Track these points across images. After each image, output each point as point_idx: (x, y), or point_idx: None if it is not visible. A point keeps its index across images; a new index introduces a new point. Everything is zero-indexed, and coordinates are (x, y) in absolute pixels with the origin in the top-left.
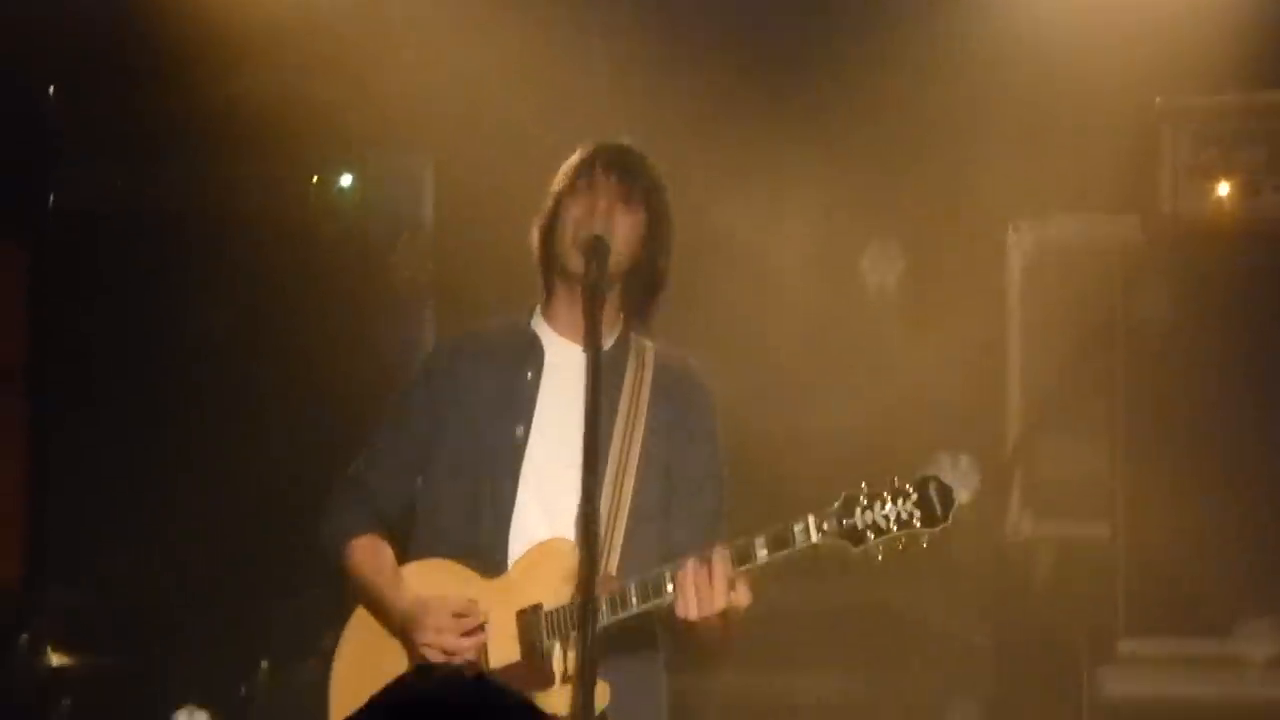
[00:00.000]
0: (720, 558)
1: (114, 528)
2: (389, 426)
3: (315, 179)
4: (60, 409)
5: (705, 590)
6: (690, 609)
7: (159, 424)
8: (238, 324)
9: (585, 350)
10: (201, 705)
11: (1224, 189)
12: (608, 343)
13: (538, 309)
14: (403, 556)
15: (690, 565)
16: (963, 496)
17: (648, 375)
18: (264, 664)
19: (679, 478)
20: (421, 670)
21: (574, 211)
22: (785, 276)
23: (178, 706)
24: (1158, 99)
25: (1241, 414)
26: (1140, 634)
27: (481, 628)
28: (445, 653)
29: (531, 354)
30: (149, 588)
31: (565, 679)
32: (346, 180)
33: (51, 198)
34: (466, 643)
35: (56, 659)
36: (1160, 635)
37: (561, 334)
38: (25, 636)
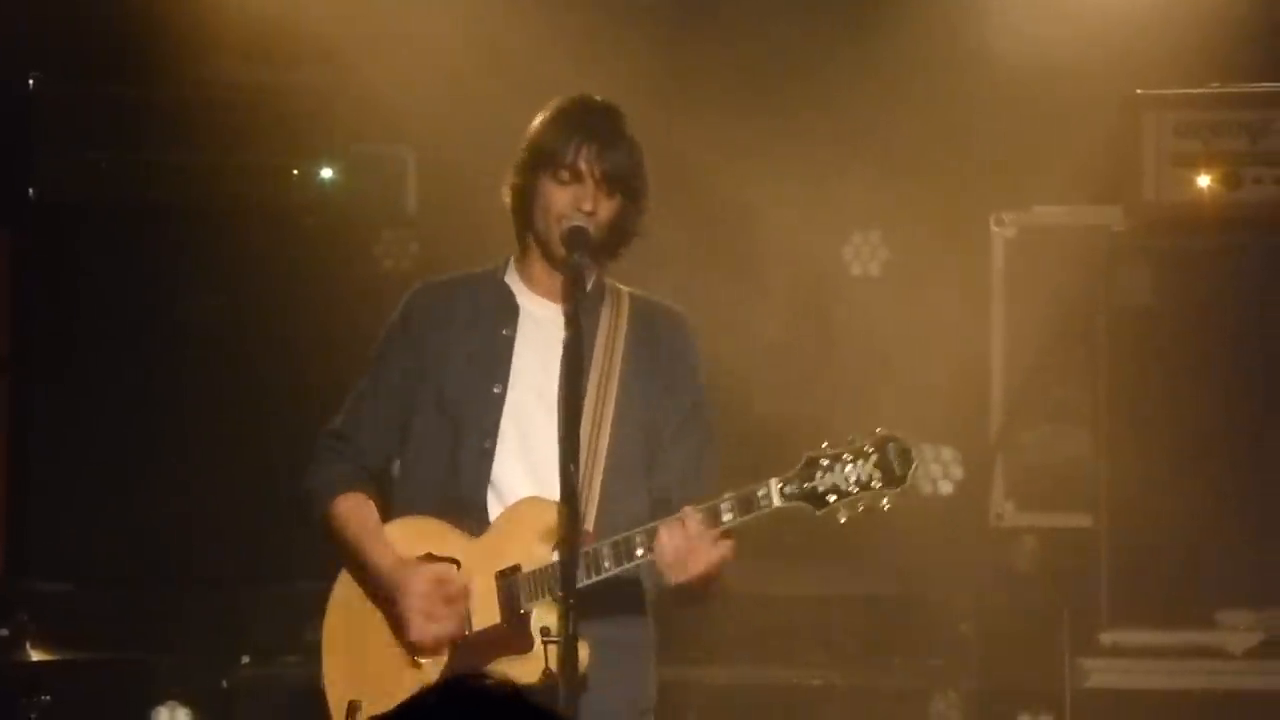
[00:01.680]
0: (692, 520)
1: (95, 522)
2: (369, 377)
3: (296, 171)
4: (42, 400)
5: (685, 554)
6: (674, 574)
7: (141, 416)
8: (220, 314)
9: (564, 309)
10: (183, 701)
11: (1204, 180)
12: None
13: (511, 262)
14: (386, 508)
15: (663, 532)
16: (945, 489)
17: (623, 325)
18: (245, 659)
19: (663, 423)
20: (449, 687)
21: (558, 202)
22: (768, 265)
23: (159, 703)
24: (1139, 90)
25: (1223, 403)
26: (1123, 624)
27: (464, 593)
28: (425, 618)
29: (507, 311)
30: (130, 583)
31: (544, 641)
32: (328, 172)
33: (33, 187)
34: (447, 610)
35: (36, 654)
36: (1143, 625)
37: (537, 292)
38: (4, 631)
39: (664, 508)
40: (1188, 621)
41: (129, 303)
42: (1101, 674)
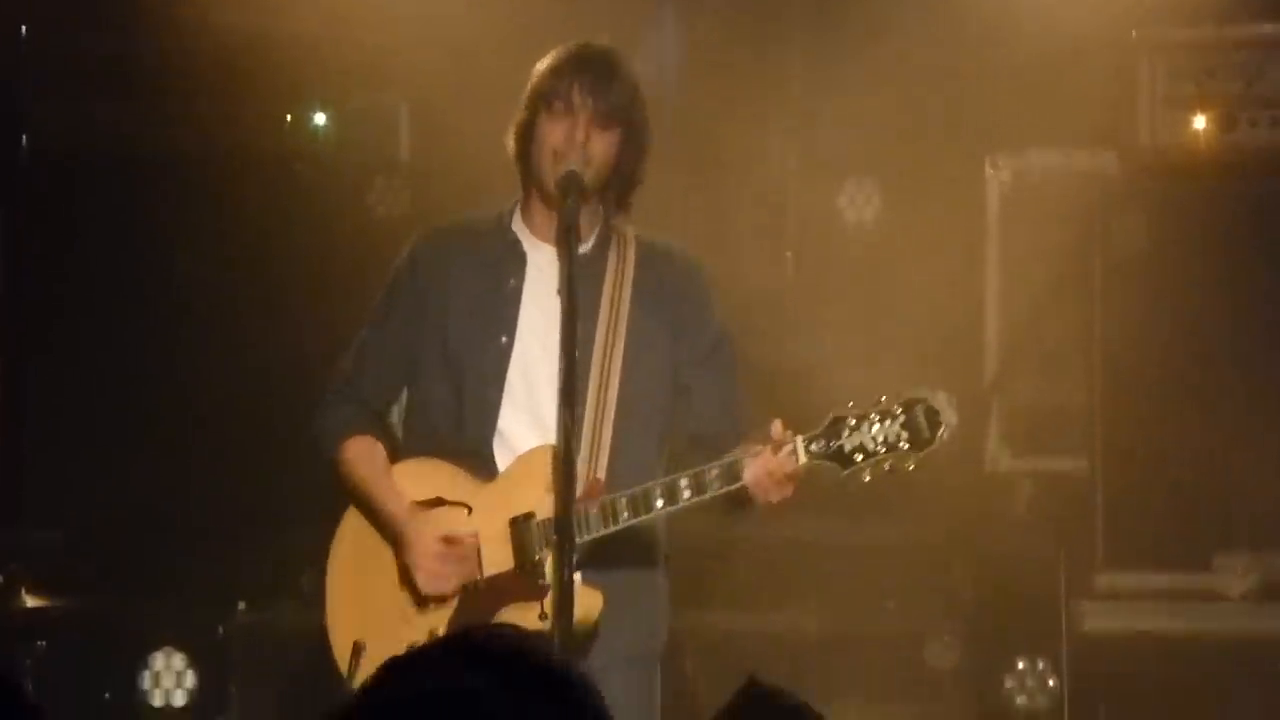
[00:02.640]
0: (784, 450)
1: (89, 470)
2: (375, 322)
3: (289, 118)
4: (36, 349)
5: (786, 479)
6: (779, 495)
7: (136, 364)
8: (213, 262)
9: (558, 255)
10: (178, 648)
11: (1200, 122)
12: (588, 243)
13: (518, 208)
14: (392, 450)
15: (761, 461)
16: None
17: (629, 270)
18: (241, 605)
19: (682, 364)
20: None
21: (551, 137)
22: (762, 213)
23: (154, 649)
24: (1134, 32)
25: (1219, 346)
26: (1118, 568)
27: (475, 549)
28: (433, 577)
29: (514, 259)
30: (125, 530)
31: (540, 585)
32: (321, 119)
33: (24, 138)
34: (455, 568)
35: (31, 601)
36: (1138, 569)
37: (542, 238)
38: None
39: (699, 445)
40: (1184, 564)
41: (122, 252)
42: (1097, 618)
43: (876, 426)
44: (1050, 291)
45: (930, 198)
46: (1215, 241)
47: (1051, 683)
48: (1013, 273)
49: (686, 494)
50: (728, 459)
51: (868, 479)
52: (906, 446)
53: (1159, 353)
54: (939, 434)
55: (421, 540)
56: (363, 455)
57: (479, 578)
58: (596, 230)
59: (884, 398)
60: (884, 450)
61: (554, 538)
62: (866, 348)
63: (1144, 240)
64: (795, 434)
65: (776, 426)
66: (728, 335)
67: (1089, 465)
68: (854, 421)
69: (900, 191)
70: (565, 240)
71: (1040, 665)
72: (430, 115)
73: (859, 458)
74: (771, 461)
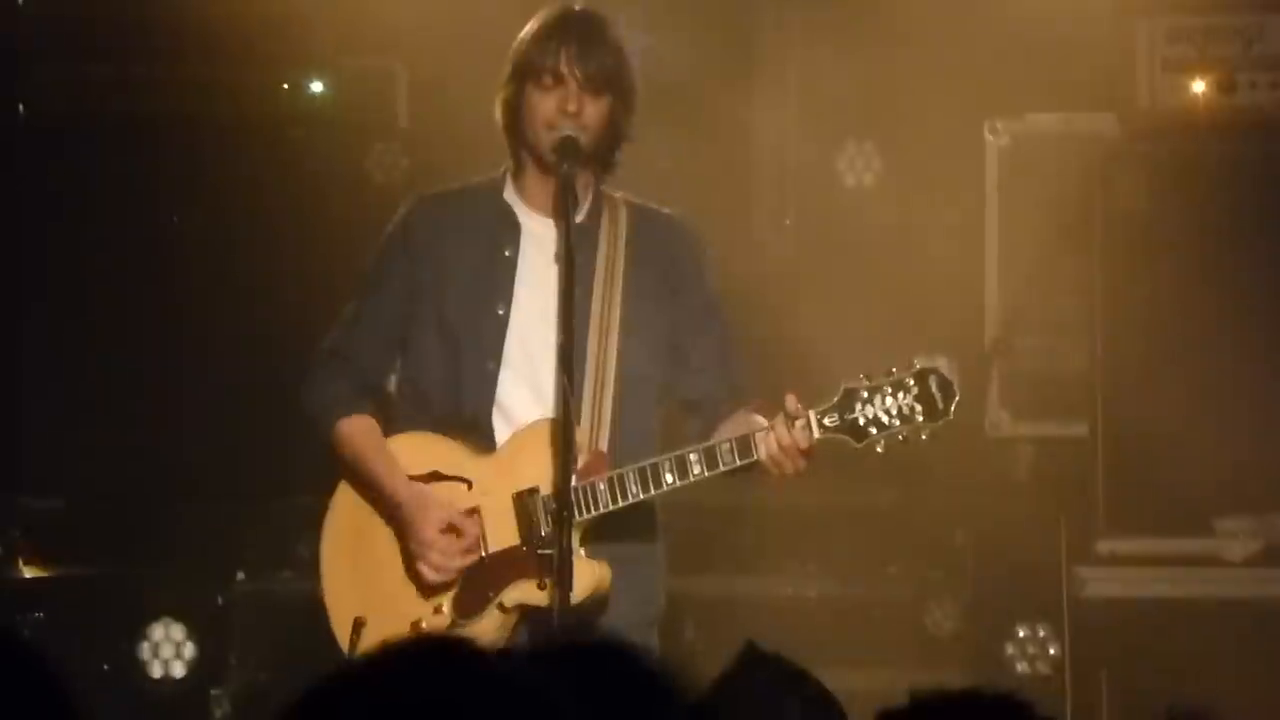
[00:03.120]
0: (799, 423)
1: (88, 440)
2: (368, 292)
3: (286, 85)
4: (34, 316)
5: (789, 454)
6: (794, 466)
7: (133, 332)
8: (211, 228)
9: (556, 223)
10: (177, 617)
11: (1199, 86)
12: (582, 210)
13: (508, 178)
14: (386, 424)
15: (775, 435)
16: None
17: (623, 235)
18: (240, 575)
19: (678, 329)
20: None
21: (542, 108)
22: (761, 177)
23: (154, 619)
24: None
25: (1220, 309)
26: (1120, 533)
27: (478, 537)
28: (436, 568)
29: (508, 229)
30: (124, 500)
31: (538, 553)
32: (318, 85)
33: (21, 102)
34: (456, 561)
35: (29, 571)
36: (1139, 534)
37: (535, 208)
38: None
39: (697, 410)
40: (1186, 529)
41: (121, 218)
42: (1099, 583)
43: (890, 399)
44: (1050, 255)
45: (930, 161)
46: (1215, 204)
47: (1053, 649)
48: (1013, 236)
49: (697, 469)
50: (741, 433)
51: (881, 450)
52: (921, 418)
53: (1160, 317)
54: (952, 404)
55: (423, 526)
56: (360, 433)
57: (484, 554)
58: (589, 197)
59: (895, 369)
60: (899, 422)
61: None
62: (867, 312)
63: (1144, 203)
64: (808, 408)
65: (790, 400)
66: (720, 302)
67: (1090, 430)
68: (866, 394)
69: (900, 155)
70: (564, 205)
71: (1041, 631)
72: (428, 81)
73: (873, 430)
74: (785, 437)
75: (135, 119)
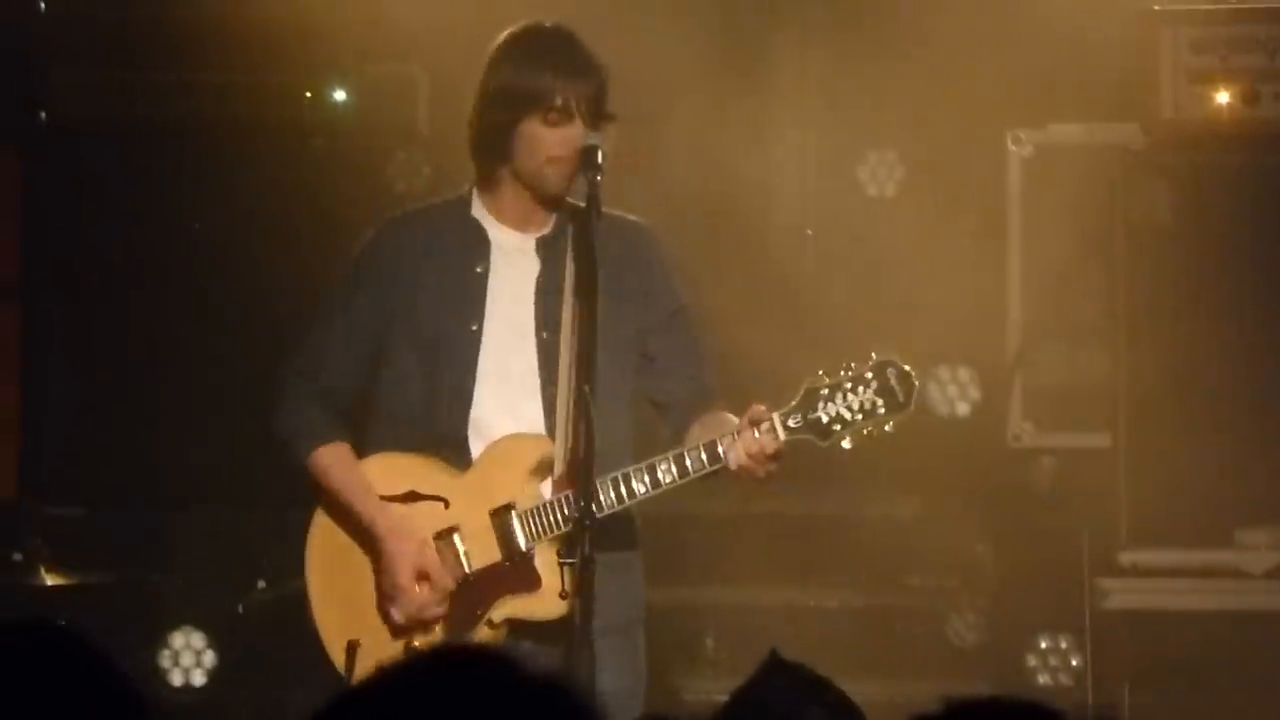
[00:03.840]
0: (762, 424)
1: (109, 444)
2: (336, 316)
3: (309, 93)
4: (55, 322)
5: (758, 461)
6: (764, 470)
7: (155, 336)
8: (232, 236)
9: (539, 240)
10: (198, 626)
11: (1223, 96)
12: (547, 226)
13: (475, 195)
14: (357, 445)
15: (743, 442)
16: (962, 410)
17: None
18: (260, 583)
19: (649, 331)
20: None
21: (549, 142)
22: (785, 185)
23: (174, 627)
24: (1156, 4)
25: (1243, 320)
26: (1142, 544)
27: (442, 595)
28: (403, 617)
29: (478, 244)
30: (143, 507)
31: (561, 563)
32: (341, 94)
33: (43, 108)
34: (423, 612)
35: (50, 578)
36: (1162, 545)
37: (505, 223)
38: (19, 555)
39: (667, 411)
40: (1208, 541)
41: (141, 224)
42: (1121, 595)
43: (851, 395)
44: (1073, 266)
45: (953, 171)
46: (1239, 215)
47: (1074, 661)
48: (1035, 247)
49: (668, 478)
50: (711, 436)
51: (848, 446)
52: (883, 411)
53: (1183, 328)
54: (913, 396)
55: (398, 572)
56: (336, 464)
57: (469, 572)
58: (555, 213)
59: (853, 364)
60: (861, 417)
61: (538, 526)
62: (888, 322)
63: (1167, 214)
64: (771, 410)
65: (754, 407)
66: (689, 307)
67: (1112, 440)
68: (827, 391)
69: (922, 165)
70: (589, 212)
71: (1063, 643)
72: (451, 89)
73: (836, 428)
74: (752, 442)
75: (157, 125)
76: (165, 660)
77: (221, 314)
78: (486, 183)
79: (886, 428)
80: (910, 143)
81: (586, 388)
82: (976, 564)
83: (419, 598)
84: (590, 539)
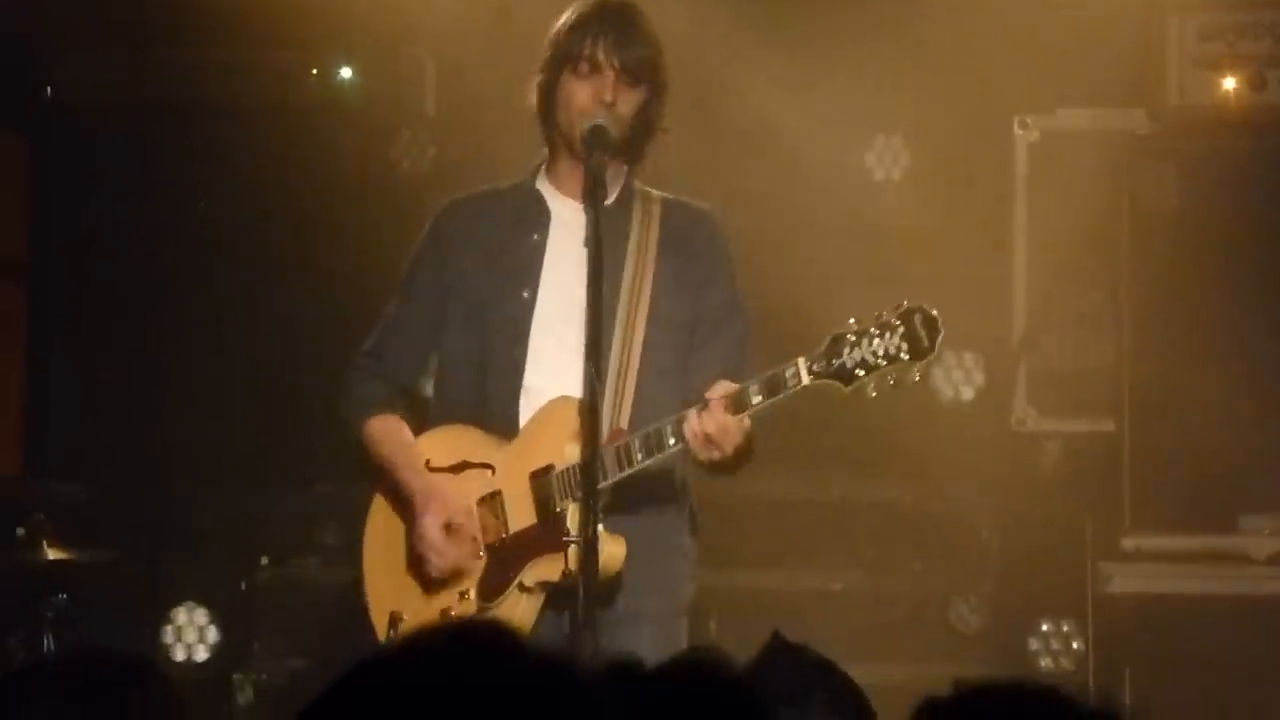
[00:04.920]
0: (718, 407)
1: (114, 422)
2: (400, 297)
3: (315, 71)
4: (61, 302)
5: (715, 438)
6: (707, 453)
7: (160, 316)
8: (237, 215)
9: (585, 209)
10: (201, 602)
11: (1230, 82)
12: (611, 196)
13: (542, 168)
14: (421, 425)
15: (693, 419)
16: (967, 394)
17: (654, 226)
18: (264, 560)
19: (698, 321)
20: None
21: (578, 96)
22: (790, 171)
23: (177, 604)
24: None
25: (1248, 306)
26: (1145, 529)
27: (472, 543)
28: (435, 567)
29: (537, 215)
30: (148, 484)
31: (564, 541)
32: (347, 72)
33: (48, 88)
34: (451, 562)
35: (53, 553)
36: (1165, 531)
37: (565, 192)
38: (22, 530)
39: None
40: (1210, 526)
41: (147, 203)
42: (1124, 579)
43: (876, 340)
44: (1078, 251)
45: (959, 156)
46: (1245, 201)
47: (1076, 645)
48: (1041, 232)
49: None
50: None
51: (873, 394)
52: (907, 357)
53: (1187, 313)
54: (938, 340)
55: (423, 524)
56: (386, 432)
57: (505, 535)
58: (620, 185)
59: (882, 311)
60: (885, 363)
61: (572, 487)
62: (895, 305)
63: (1173, 200)
64: (799, 355)
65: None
66: (742, 303)
67: (1116, 426)
68: (853, 338)
69: (929, 150)
70: (592, 194)
71: (1065, 627)
72: (456, 69)
73: (860, 373)
74: (694, 420)
75: (163, 105)
76: (168, 636)
77: (227, 292)
78: (550, 154)
79: (913, 375)
80: (917, 127)
81: (593, 369)
82: (980, 548)
83: (450, 553)
84: (621, 512)
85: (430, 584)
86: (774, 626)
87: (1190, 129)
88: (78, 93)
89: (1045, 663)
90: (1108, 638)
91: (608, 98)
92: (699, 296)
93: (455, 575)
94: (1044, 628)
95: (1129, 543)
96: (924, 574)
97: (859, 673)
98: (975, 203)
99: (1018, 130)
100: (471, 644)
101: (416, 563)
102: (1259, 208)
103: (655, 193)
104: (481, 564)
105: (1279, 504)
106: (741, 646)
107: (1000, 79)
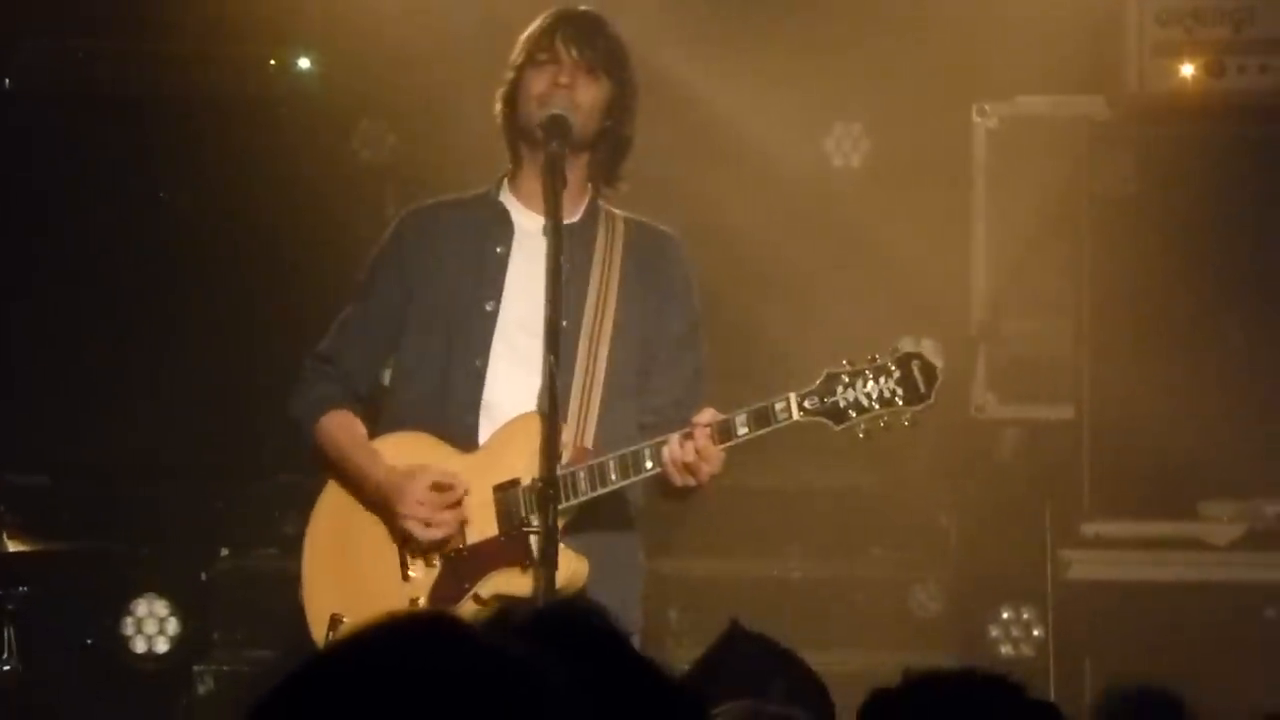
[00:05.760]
0: (703, 435)
1: (72, 415)
2: (358, 300)
3: (274, 61)
4: (19, 295)
5: (694, 466)
6: (682, 480)
7: (118, 309)
8: (197, 205)
9: (544, 205)
10: (161, 593)
11: (1188, 68)
12: (576, 214)
13: (505, 181)
14: (373, 431)
15: (675, 446)
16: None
17: (619, 244)
18: (224, 552)
19: (658, 344)
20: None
21: (536, 86)
22: (750, 157)
23: (138, 595)
24: None
25: (1207, 293)
26: (1105, 516)
27: (461, 501)
28: (425, 524)
29: (500, 227)
30: (109, 476)
31: (525, 531)
32: (305, 62)
33: (7, 77)
34: (448, 515)
35: (13, 545)
36: (1125, 517)
37: (529, 206)
38: None
39: (651, 433)
40: (1170, 513)
41: (106, 193)
42: (1083, 565)
43: (871, 383)
44: (1037, 238)
45: (918, 143)
46: (1203, 188)
47: (1037, 632)
48: (1000, 218)
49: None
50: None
51: (863, 434)
52: (902, 402)
53: (1147, 300)
54: (934, 388)
55: (410, 490)
56: (339, 429)
57: (462, 546)
58: (584, 202)
59: (878, 355)
60: (879, 406)
61: (539, 496)
62: (853, 293)
63: (1132, 186)
64: (788, 390)
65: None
66: (701, 325)
67: (1075, 412)
68: (848, 378)
69: (888, 137)
70: (551, 184)
71: (1025, 613)
72: (415, 58)
73: (853, 414)
74: (675, 446)
75: (122, 95)
76: (129, 628)
77: (187, 283)
78: (513, 166)
79: (904, 420)
80: (876, 114)
81: (552, 357)
82: (939, 535)
83: (437, 500)
84: (584, 530)
85: (379, 589)
86: (733, 613)
87: (1149, 115)
88: (37, 82)
89: (1005, 649)
90: (1068, 624)
91: (563, 79)
92: (661, 319)
93: (409, 578)
94: (1004, 614)
95: (1088, 529)
96: (883, 561)
97: (818, 660)
98: (934, 189)
99: (976, 117)
100: (423, 634)
101: (368, 565)
102: (1218, 194)
103: (620, 213)
104: (436, 572)
105: (1238, 490)
106: (700, 634)
107: (959, 65)
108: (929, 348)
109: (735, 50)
